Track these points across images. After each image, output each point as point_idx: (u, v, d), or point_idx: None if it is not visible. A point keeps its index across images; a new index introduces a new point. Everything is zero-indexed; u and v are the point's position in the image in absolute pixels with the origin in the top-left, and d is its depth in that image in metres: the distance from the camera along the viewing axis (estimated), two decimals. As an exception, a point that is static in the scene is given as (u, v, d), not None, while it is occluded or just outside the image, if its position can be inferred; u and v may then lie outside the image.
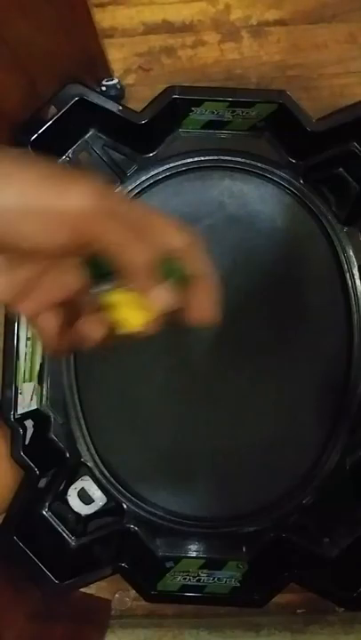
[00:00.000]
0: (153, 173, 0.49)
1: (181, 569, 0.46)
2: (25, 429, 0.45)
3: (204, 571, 0.46)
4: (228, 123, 0.47)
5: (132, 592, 0.51)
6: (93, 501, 0.48)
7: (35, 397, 0.47)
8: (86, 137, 0.48)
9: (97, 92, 0.44)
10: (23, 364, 0.46)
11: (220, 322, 0.28)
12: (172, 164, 0.49)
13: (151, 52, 0.54)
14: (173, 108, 0.45)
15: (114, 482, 0.48)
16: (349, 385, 0.47)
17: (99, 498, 0.48)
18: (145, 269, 0.26)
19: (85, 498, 0.48)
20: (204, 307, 0.28)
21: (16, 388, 0.45)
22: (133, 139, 0.47)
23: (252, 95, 0.45)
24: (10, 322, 0.45)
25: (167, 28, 0.54)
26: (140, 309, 0.27)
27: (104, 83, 0.52)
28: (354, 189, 0.47)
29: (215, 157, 0.49)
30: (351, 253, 0.48)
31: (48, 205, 0.23)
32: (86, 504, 0.48)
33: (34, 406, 0.47)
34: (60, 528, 0.47)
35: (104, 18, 0.54)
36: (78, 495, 0.48)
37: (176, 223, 0.27)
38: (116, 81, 0.52)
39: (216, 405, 0.48)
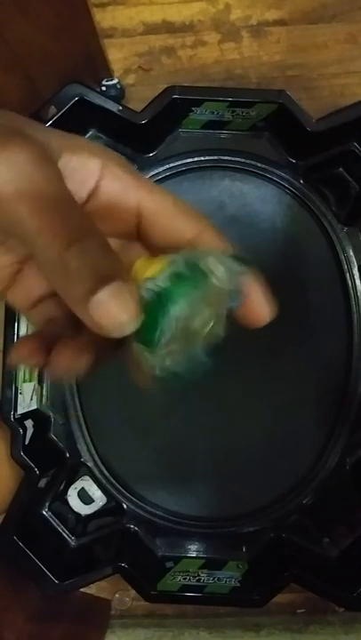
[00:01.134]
0: (153, 173, 0.49)
1: (181, 569, 0.46)
2: (25, 429, 0.45)
3: (204, 571, 0.46)
4: (228, 123, 0.47)
5: (132, 592, 0.51)
6: (93, 501, 0.48)
7: (35, 397, 0.47)
8: (86, 137, 0.48)
9: (97, 91, 0.44)
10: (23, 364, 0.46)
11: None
12: (172, 164, 0.49)
13: (151, 52, 0.54)
14: (173, 107, 0.45)
15: (114, 482, 0.48)
16: (349, 385, 0.47)
17: (99, 498, 0.48)
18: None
19: (85, 498, 0.48)
20: (258, 304, 0.23)
21: (16, 388, 0.45)
22: (133, 139, 0.47)
23: (252, 95, 0.45)
24: (10, 322, 0.45)
25: (167, 27, 0.54)
26: None
27: (104, 83, 0.52)
28: (354, 189, 0.47)
29: (215, 157, 0.49)
30: (351, 253, 0.48)
31: None
32: (86, 504, 0.48)
33: (34, 406, 0.47)
34: (60, 528, 0.47)
35: (104, 18, 0.54)
36: (78, 495, 0.48)
37: (177, 201, 0.22)
38: (116, 81, 0.52)
39: (216, 405, 0.48)
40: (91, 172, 0.21)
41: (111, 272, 0.18)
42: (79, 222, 0.18)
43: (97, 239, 0.18)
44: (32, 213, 0.17)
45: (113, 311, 0.17)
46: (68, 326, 0.23)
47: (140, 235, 0.22)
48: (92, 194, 0.21)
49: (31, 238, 0.18)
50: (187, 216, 0.22)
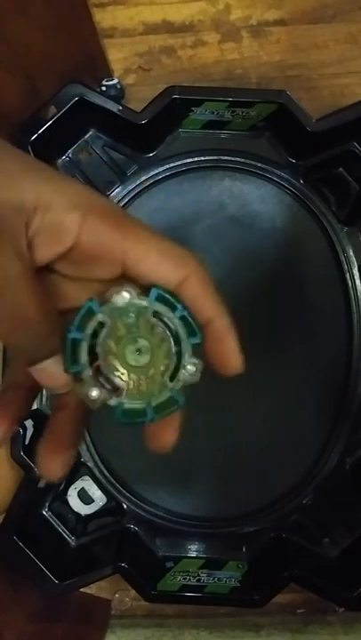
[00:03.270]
0: (153, 173, 0.49)
1: (181, 569, 0.46)
2: (25, 429, 0.45)
3: (204, 571, 0.46)
4: (228, 123, 0.47)
5: (132, 592, 0.51)
6: (93, 501, 0.48)
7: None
8: (86, 137, 0.48)
9: (97, 92, 0.44)
10: (23, 364, 0.46)
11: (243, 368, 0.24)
12: (172, 164, 0.49)
13: (151, 52, 0.54)
14: (173, 107, 0.45)
15: (114, 482, 0.48)
16: (349, 385, 0.47)
17: (99, 498, 0.48)
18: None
19: (85, 498, 0.48)
20: (227, 357, 0.23)
21: (16, 388, 0.45)
22: (133, 139, 0.47)
23: (252, 95, 0.45)
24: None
25: (167, 27, 0.54)
26: None
27: (104, 83, 0.52)
28: (354, 189, 0.47)
29: (215, 157, 0.49)
30: (351, 253, 0.48)
31: None
32: (86, 504, 0.48)
33: (34, 406, 0.47)
34: (60, 528, 0.47)
35: (104, 18, 0.54)
36: (78, 495, 0.48)
37: (162, 247, 0.21)
38: (116, 81, 0.52)
39: (216, 405, 0.48)
40: (67, 229, 0.20)
41: (40, 355, 0.21)
42: (19, 314, 0.19)
43: (33, 329, 0.20)
44: None
45: (45, 379, 0.21)
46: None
47: (126, 278, 0.22)
48: (72, 247, 0.20)
49: None
50: (173, 261, 0.21)
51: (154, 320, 0.21)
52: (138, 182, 0.49)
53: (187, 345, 0.21)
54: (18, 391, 0.23)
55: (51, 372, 0.21)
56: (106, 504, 0.48)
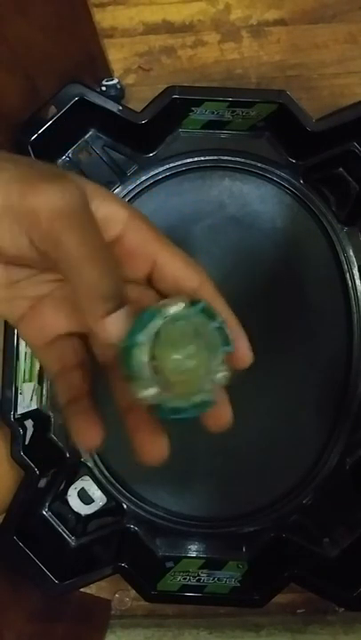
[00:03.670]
0: (153, 173, 0.49)
1: (181, 569, 0.46)
2: (25, 429, 0.45)
3: (204, 571, 0.46)
4: (228, 123, 0.47)
5: (132, 592, 0.51)
6: (93, 501, 0.48)
7: (35, 397, 0.47)
8: (86, 137, 0.48)
9: (97, 92, 0.44)
10: (23, 364, 0.46)
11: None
12: (172, 164, 0.49)
13: (151, 52, 0.54)
14: (173, 107, 0.45)
15: (114, 482, 0.48)
16: (349, 385, 0.47)
17: (99, 498, 0.48)
18: (97, 297, 0.22)
19: (85, 498, 0.48)
20: (241, 352, 0.25)
21: (16, 388, 0.45)
22: (133, 139, 0.47)
23: (252, 95, 0.45)
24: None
25: (167, 28, 0.54)
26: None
27: (104, 83, 0.52)
28: (354, 189, 0.47)
29: (215, 157, 0.49)
30: (351, 253, 0.48)
31: (12, 204, 0.20)
32: (86, 504, 0.48)
33: (34, 406, 0.47)
34: (60, 528, 0.47)
35: (104, 18, 0.54)
36: (78, 495, 0.48)
37: (184, 255, 0.25)
38: (116, 81, 0.52)
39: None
40: (118, 221, 0.23)
41: (124, 299, 0.22)
42: (111, 257, 0.22)
43: (119, 273, 0.23)
44: (78, 242, 0.21)
45: (119, 327, 0.22)
46: (81, 378, 0.27)
47: (151, 281, 0.25)
48: (116, 241, 0.24)
49: (71, 262, 0.21)
50: (193, 268, 0.25)
51: (199, 328, 0.23)
52: (138, 182, 0.49)
53: (221, 352, 0.23)
54: (85, 400, 0.28)
55: (117, 322, 0.22)
56: (106, 504, 0.48)
